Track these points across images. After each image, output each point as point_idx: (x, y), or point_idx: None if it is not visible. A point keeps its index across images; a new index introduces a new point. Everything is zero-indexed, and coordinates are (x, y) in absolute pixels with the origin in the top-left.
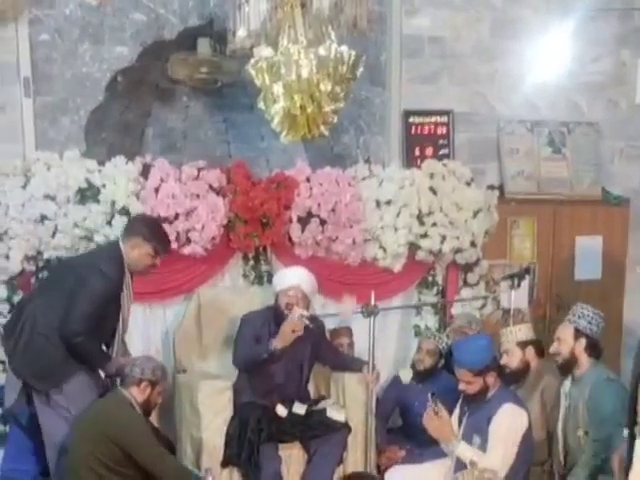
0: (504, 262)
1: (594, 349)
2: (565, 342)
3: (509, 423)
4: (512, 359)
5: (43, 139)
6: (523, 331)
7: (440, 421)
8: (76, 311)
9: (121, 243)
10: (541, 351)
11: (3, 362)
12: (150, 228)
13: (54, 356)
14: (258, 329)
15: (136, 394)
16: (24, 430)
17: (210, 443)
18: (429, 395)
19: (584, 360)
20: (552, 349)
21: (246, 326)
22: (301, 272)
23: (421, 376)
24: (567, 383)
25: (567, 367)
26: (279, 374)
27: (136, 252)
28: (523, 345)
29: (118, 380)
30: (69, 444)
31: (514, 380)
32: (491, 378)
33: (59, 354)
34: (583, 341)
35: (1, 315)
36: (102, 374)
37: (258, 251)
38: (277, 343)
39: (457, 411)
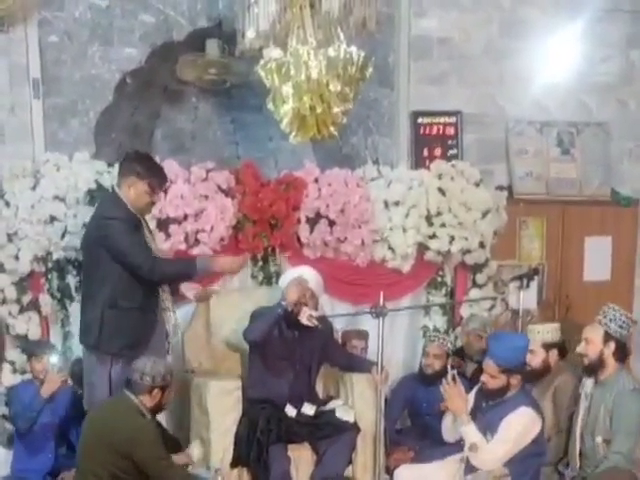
0: (513, 263)
1: (622, 353)
2: (594, 344)
3: (522, 427)
4: (535, 359)
5: (52, 140)
6: (551, 333)
7: (457, 391)
8: (124, 254)
9: (117, 188)
10: (564, 354)
11: (13, 362)
12: (142, 165)
13: (134, 320)
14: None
15: (147, 401)
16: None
17: (219, 443)
18: (449, 366)
19: (611, 364)
20: (580, 349)
21: (258, 314)
22: (308, 271)
23: (431, 379)
24: (588, 383)
25: (594, 369)
26: (287, 374)
27: (132, 192)
28: (548, 347)
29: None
30: (78, 448)
31: (532, 379)
32: (515, 380)
33: (136, 317)
34: (612, 345)
35: (11, 316)
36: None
37: (267, 252)
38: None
39: (471, 402)
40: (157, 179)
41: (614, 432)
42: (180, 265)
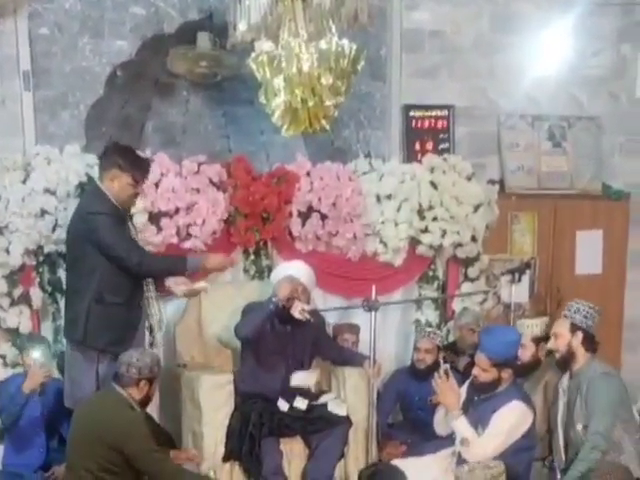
0: (505, 257)
1: (590, 343)
2: (562, 337)
3: (514, 420)
4: (525, 353)
5: (43, 133)
6: (540, 327)
7: (450, 386)
8: (112, 248)
9: (99, 182)
10: None
11: (4, 356)
12: (124, 157)
13: (119, 316)
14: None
15: (135, 393)
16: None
17: (211, 437)
18: (441, 361)
19: (581, 355)
20: (550, 345)
21: (249, 310)
22: (300, 265)
23: (423, 373)
24: (565, 379)
25: (565, 362)
26: (280, 369)
27: (116, 184)
28: (537, 341)
29: None
30: (67, 442)
31: (523, 374)
32: (506, 374)
33: (122, 312)
34: (580, 335)
35: (2, 309)
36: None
37: (259, 246)
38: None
39: (463, 395)
40: (140, 171)
41: (590, 415)
42: (170, 261)
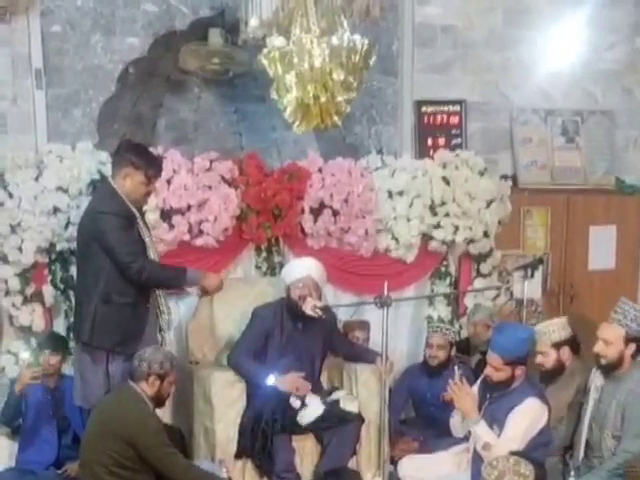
0: (517, 252)
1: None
2: (614, 346)
3: (531, 418)
4: (547, 360)
5: (55, 131)
6: (557, 332)
7: (466, 391)
8: (114, 251)
9: (111, 180)
10: (577, 348)
11: (16, 354)
12: (137, 155)
13: (127, 316)
14: (269, 323)
15: (146, 388)
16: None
17: (223, 435)
18: (455, 367)
19: (627, 361)
20: (598, 349)
21: (257, 321)
22: (310, 262)
23: (435, 370)
24: (599, 375)
25: (612, 369)
26: (292, 365)
27: (129, 182)
28: (558, 346)
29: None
30: (82, 438)
31: (549, 380)
32: (519, 371)
33: (129, 313)
34: (633, 346)
35: (14, 307)
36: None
37: (270, 242)
38: (278, 383)
39: (476, 395)
40: (153, 169)
41: (625, 430)
42: (170, 272)
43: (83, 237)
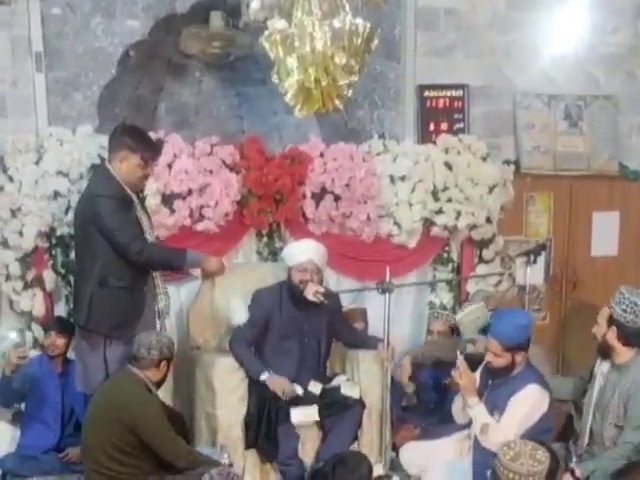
0: (520, 238)
1: (632, 338)
2: (599, 326)
3: (531, 405)
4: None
5: (55, 115)
6: (482, 319)
7: (467, 373)
8: (113, 233)
9: (108, 163)
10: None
11: None
12: (133, 137)
13: (123, 300)
14: (269, 307)
15: (153, 375)
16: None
17: (225, 420)
18: (458, 353)
19: (620, 348)
20: (593, 330)
21: (256, 306)
22: (311, 245)
23: None
24: (604, 363)
25: (603, 351)
26: (294, 353)
27: (125, 165)
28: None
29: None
30: (83, 423)
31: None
32: (520, 357)
33: (126, 297)
34: (614, 329)
35: (15, 292)
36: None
37: (272, 227)
38: (269, 382)
39: (477, 381)
40: (149, 151)
41: (626, 421)
42: (170, 254)
43: (80, 220)
